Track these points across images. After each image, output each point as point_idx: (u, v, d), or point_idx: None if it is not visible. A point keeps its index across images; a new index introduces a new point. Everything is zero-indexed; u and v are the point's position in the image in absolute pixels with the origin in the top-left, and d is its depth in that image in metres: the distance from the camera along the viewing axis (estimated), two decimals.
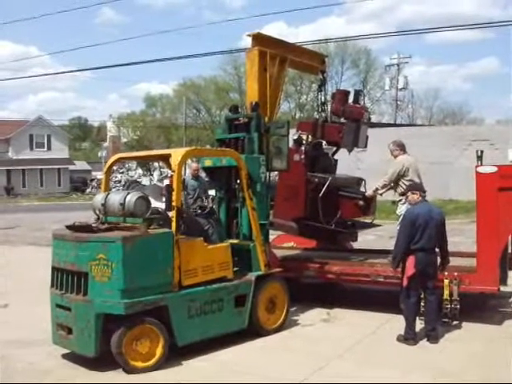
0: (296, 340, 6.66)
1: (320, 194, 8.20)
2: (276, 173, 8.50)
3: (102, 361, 5.53)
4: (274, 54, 7.90)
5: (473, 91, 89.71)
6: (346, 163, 11.59)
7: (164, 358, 5.65)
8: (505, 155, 21.33)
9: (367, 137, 9.19)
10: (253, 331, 6.60)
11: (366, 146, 9.28)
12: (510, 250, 7.45)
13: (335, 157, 9.37)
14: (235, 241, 7.12)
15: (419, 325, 6.54)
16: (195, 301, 5.96)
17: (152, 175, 49.38)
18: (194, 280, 6.00)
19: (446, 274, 6.77)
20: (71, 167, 55.18)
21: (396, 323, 6.78)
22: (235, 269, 6.60)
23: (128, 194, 6.09)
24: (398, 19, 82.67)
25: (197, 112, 58.82)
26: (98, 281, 5.46)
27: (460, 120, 58.42)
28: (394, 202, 7.85)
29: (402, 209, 7.37)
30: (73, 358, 5.85)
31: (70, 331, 5.70)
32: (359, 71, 56.46)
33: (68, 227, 6.06)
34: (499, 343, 6.26)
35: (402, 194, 7.40)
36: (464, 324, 6.94)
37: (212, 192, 8.53)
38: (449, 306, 6.77)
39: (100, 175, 41.31)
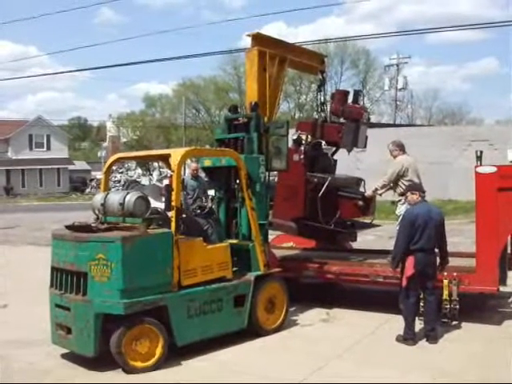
0: (295, 340, 6.66)
1: (319, 194, 8.20)
2: (275, 173, 8.49)
3: (101, 361, 5.53)
4: (274, 54, 7.91)
5: (472, 91, 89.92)
6: (346, 163, 11.59)
7: (163, 357, 5.65)
8: (504, 155, 21.37)
9: (366, 137, 9.20)
10: (252, 331, 6.60)
11: (365, 146, 9.28)
12: (509, 251, 7.47)
13: (334, 157, 9.37)
14: (234, 241, 7.12)
15: (418, 325, 6.55)
16: (194, 301, 5.96)
17: (151, 175, 49.40)
18: (193, 280, 6.01)
19: (446, 274, 6.77)
20: (71, 167, 55.16)
21: (395, 323, 6.78)
22: (234, 269, 6.60)
23: (127, 193, 6.10)
24: (397, 19, 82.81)
25: (196, 112, 58.83)
26: (97, 281, 5.46)
27: (459, 120, 58.48)
28: (394, 203, 7.85)
29: (401, 209, 7.37)
30: (72, 357, 5.85)
31: (69, 331, 5.70)
32: (358, 71, 56.53)
33: (67, 227, 6.06)
34: (498, 343, 6.26)
35: (402, 195, 7.40)
36: (463, 324, 6.94)
37: (211, 192, 8.54)
38: (448, 306, 6.77)
39: (99, 175, 41.31)
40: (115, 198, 6.11)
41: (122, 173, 53.30)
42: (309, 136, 8.73)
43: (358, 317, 7.54)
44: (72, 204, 37.01)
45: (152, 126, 58.42)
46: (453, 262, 7.00)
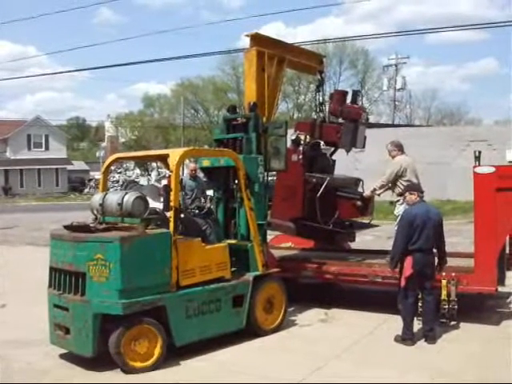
0: (294, 340, 6.66)
1: (318, 195, 8.20)
2: (274, 173, 8.49)
3: (100, 361, 5.53)
4: (272, 54, 7.91)
5: (471, 92, 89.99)
6: (344, 163, 11.59)
7: (162, 358, 5.65)
8: (503, 156, 21.43)
9: (365, 137, 9.21)
10: (251, 331, 6.60)
11: (363, 147, 9.29)
12: (507, 251, 7.47)
13: (333, 157, 9.37)
14: (233, 241, 7.12)
15: (417, 325, 6.55)
16: (193, 301, 5.96)
17: (150, 175, 49.44)
18: (191, 280, 6.00)
19: (444, 274, 6.78)
20: (69, 167, 55.13)
21: (394, 323, 6.78)
22: (233, 269, 6.60)
23: (126, 194, 6.09)
24: (396, 20, 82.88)
25: (195, 112, 58.78)
26: (95, 281, 5.46)
27: (458, 120, 58.51)
28: (392, 203, 7.86)
29: (399, 209, 7.37)
30: (70, 358, 5.85)
31: (67, 331, 5.70)
32: (357, 72, 56.48)
33: (66, 227, 6.06)
34: (497, 343, 6.26)
35: (400, 195, 7.40)
36: (462, 324, 6.95)
37: (210, 192, 8.54)
38: (447, 306, 6.78)
39: (98, 175, 41.34)
40: (113, 198, 6.10)
41: (120, 173, 53.29)
42: (307, 136, 8.75)
43: (357, 317, 7.54)
44: (70, 204, 36.98)
45: (150, 126, 58.37)
46: (451, 262, 7.01)
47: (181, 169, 6.77)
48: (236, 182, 7.18)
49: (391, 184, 7.73)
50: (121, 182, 44.80)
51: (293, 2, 69.23)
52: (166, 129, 57.53)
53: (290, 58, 8.30)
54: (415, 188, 6.86)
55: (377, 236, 14.20)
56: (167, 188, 5.99)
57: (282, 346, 6.44)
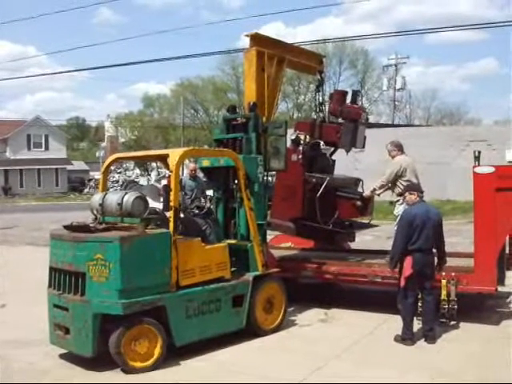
0: (294, 340, 6.66)
1: (318, 195, 8.20)
2: (274, 173, 8.49)
3: (100, 361, 5.53)
4: (272, 54, 7.91)
5: (470, 92, 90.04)
6: (344, 163, 11.59)
7: (162, 358, 5.65)
8: (502, 156, 21.44)
9: (365, 137, 9.20)
10: (250, 331, 6.60)
11: (363, 147, 9.29)
12: (507, 251, 7.48)
13: (333, 157, 9.37)
14: (233, 241, 7.12)
15: (417, 325, 6.56)
16: (193, 301, 5.96)
17: (150, 175, 49.46)
18: (191, 280, 6.00)
19: (444, 274, 6.78)
20: (69, 167, 55.13)
21: (393, 323, 6.79)
22: (233, 269, 6.60)
23: (126, 194, 6.09)
24: (395, 20, 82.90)
25: (195, 112, 58.78)
26: (95, 281, 5.45)
27: (458, 120, 58.52)
28: (392, 203, 7.86)
29: (399, 209, 7.37)
30: (70, 358, 5.85)
31: (67, 331, 5.70)
32: (357, 72, 56.50)
33: (66, 227, 6.05)
34: (497, 343, 6.27)
35: (400, 195, 7.40)
36: (462, 324, 6.95)
37: (210, 192, 8.53)
38: (446, 306, 6.78)
39: (98, 175, 41.35)
40: (113, 198, 6.10)
41: (120, 173, 53.34)
42: (307, 136, 8.74)
43: (357, 317, 7.55)
44: (70, 204, 36.98)
45: (150, 126, 58.37)
46: (451, 262, 7.01)
47: (180, 169, 6.77)
48: (236, 181, 7.18)
49: (391, 184, 7.73)
50: (120, 182, 44.83)
51: (292, 2, 69.37)
52: (165, 129, 57.53)
53: (289, 58, 8.30)
54: (415, 188, 6.86)
55: (376, 236, 14.20)
56: (167, 188, 5.99)
57: (282, 346, 6.44)
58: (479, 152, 7.19)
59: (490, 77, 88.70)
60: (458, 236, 13.09)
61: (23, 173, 50.72)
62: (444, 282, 6.77)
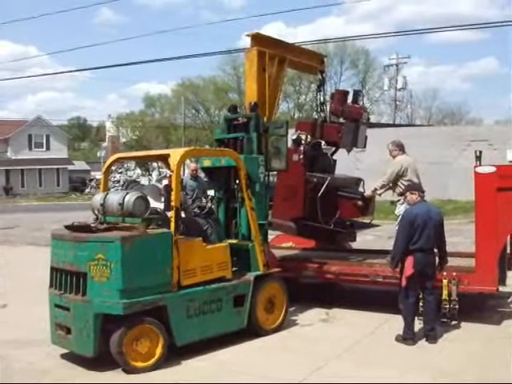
0: (295, 340, 6.66)
1: (319, 194, 8.20)
2: (275, 173, 8.49)
3: (101, 361, 5.53)
4: (273, 54, 7.91)
5: (472, 91, 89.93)
6: (345, 163, 11.58)
7: (163, 357, 5.65)
8: (503, 155, 21.40)
9: (366, 137, 9.20)
10: (251, 331, 6.60)
11: (364, 146, 9.28)
12: (508, 250, 7.47)
13: (334, 157, 9.36)
14: (234, 241, 7.12)
15: (418, 325, 6.55)
16: (194, 301, 5.96)
17: (151, 175, 49.47)
18: (192, 280, 6.00)
19: (445, 274, 6.78)
20: (70, 167, 55.18)
21: (395, 323, 6.79)
22: (234, 269, 6.60)
23: (127, 194, 6.09)
24: (396, 19, 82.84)
25: (196, 112, 58.76)
26: (96, 281, 5.46)
27: (459, 120, 58.43)
28: (393, 203, 7.85)
29: (400, 209, 7.37)
30: (71, 358, 5.85)
31: (68, 331, 5.70)
32: (358, 71, 56.47)
33: (67, 227, 6.06)
34: (498, 343, 6.26)
35: (401, 195, 7.40)
36: (463, 324, 6.95)
37: (211, 192, 8.54)
38: (448, 306, 6.77)
39: (99, 175, 41.36)
40: (114, 198, 6.10)
41: (121, 173, 53.37)
42: (308, 136, 8.73)
43: (358, 317, 7.54)
44: (71, 204, 37.01)
45: (151, 126, 58.37)
46: (452, 261, 7.01)
47: (182, 169, 6.77)
48: (237, 181, 7.18)
49: (392, 184, 7.72)
50: (122, 182, 44.83)
51: (293, 1, 69.34)
52: (166, 129, 57.52)
53: (290, 58, 8.30)
54: (416, 188, 6.86)
55: (378, 236, 14.19)
56: (168, 188, 6.00)
57: (283, 345, 6.44)
58: (480, 152, 7.16)
59: (490, 76, 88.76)
60: (459, 236, 13.09)
61: (24, 173, 50.77)
62: (445, 281, 6.76)
